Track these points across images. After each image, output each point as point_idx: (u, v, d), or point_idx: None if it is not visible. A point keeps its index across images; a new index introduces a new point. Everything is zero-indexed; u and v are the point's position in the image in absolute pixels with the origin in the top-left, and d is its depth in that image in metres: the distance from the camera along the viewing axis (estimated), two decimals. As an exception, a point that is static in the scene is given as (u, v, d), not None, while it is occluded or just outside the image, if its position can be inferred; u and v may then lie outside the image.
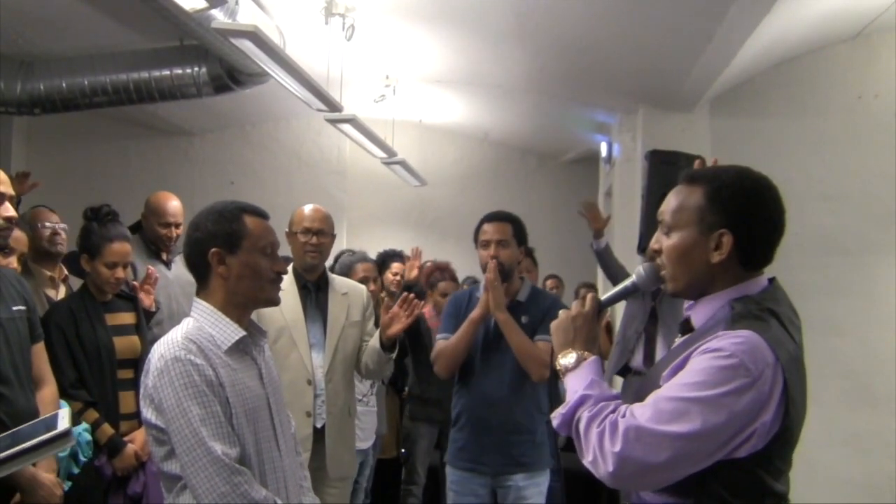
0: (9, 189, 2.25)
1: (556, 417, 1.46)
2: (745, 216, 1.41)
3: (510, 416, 2.81)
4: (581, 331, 1.53)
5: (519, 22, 4.20)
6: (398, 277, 4.48)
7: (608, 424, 1.33)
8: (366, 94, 5.71)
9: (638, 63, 4.61)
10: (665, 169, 4.76)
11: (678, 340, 1.52)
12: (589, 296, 1.58)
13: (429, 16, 4.32)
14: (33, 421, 2.04)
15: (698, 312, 1.46)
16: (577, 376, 1.47)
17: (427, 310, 4.30)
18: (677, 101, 4.97)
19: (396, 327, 2.72)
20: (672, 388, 1.32)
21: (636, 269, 1.59)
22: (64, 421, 1.92)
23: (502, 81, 5.54)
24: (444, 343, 2.87)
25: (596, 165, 6.79)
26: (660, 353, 4.05)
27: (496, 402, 2.81)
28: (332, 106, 4.30)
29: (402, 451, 4.34)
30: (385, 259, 4.51)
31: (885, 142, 4.74)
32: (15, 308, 2.30)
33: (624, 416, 1.34)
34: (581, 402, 1.41)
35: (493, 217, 2.94)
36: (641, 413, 1.32)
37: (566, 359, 1.51)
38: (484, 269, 2.90)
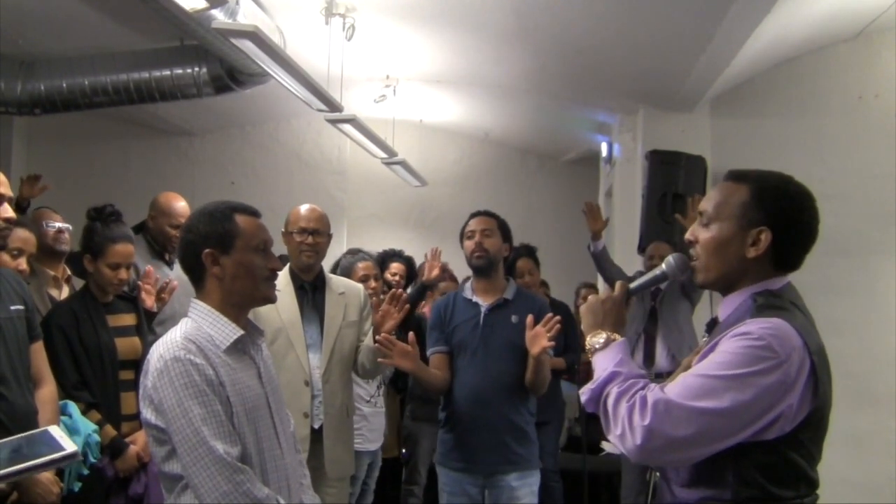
0: (7, 190, 2.25)
1: (584, 393, 1.49)
2: (786, 218, 1.49)
3: (500, 414, 2.80)
4: (610, 313, 1.58)
5: (519, 22, 4.20)
6: (397, 277, 4.48)
7: (638, 399, 1.38)
8: (366, 94, 5.71)
9: (638, 63, 4.61)
10: (665, 169, 4.81)
11: (705, 338, 1.58)
12: (619, 282, 1.64)
13: (429, 16, 4.32)
14: (24, 435, 2.04)
15: (724, 308, 1.53)
16: (606, 355, 1.51)
17: (427, 310, 4.30)
18: (677, 102, 4.97)
19: (389, 324, 2.75)
20: (701, 367, 1.39)
21: (666, 259, 1.65)
22: (65, 440, 1.95)
23: (502, 81, 5.54)
24: (430, 371, 2.87)
25: (596, 165, 6.79)
26: (660, 352, 4.07)
27: (486, 401, 2.80)
28: (333, 106, 4.30)
29: (403, 451, 4.34)
30: (384, 259, 4.51)
31: (886, 142, 4.74)
32: (13, 308, 2.30)
33: (652, 391, 1.38)
34: (610, 378, 1.45)
35: (477, 213, 3.04)
36: (670, 389, 1.37)
37: (596, 338, 1.55)
38: (469, 263, 2.96)
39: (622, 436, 1.38)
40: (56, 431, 2.05)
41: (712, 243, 1.52)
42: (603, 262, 4.35)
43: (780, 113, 5.02)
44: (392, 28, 4.59)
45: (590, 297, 1.63)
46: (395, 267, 4.53)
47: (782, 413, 1.36)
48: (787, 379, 1.35)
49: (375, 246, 4.84)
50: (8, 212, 2.22)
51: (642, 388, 1.40)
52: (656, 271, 1.67)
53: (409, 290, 5.19)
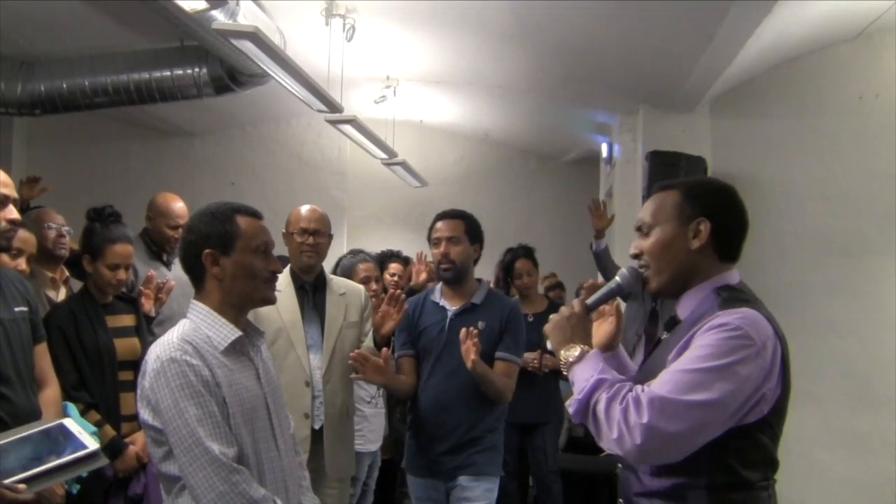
0: (12, 192, 2.24)
1: (571, 405, 1.51)
2: (719, 207, 1.59)
3: (461, 422, 2.75)
4: (577, 328, 1.63)
5: (519, 22, 4.20)
6: (395, 278, 4.48)
7: (630, 400, 1.41)
8: (366, 95, 5.72)
9: (638, 63, 4.61)
10: (666, 170, 4.81)
11: (665, 336, 1.63)
12: (576, 300, 1.69)
13: (429, 16, 4.32)
14: (40, 429, 2.05)
15: (684, 305, 1.59)
16: (585, 366, 1.54)
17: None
18: (678, 102, 4.97)
19: (389, 325, 2.75)
20: (685, 362, 1.43)
21: (619, 272, 1.72)
22: (85, 437, 1.97)
23: (502, 82, 5.54)
24: (399, 379, 2.82)
25: (596, 166, 6.79)
26: (661, 353, 4.07)
27: (448, 408, 2.76)
28: (333, 107, 4.30)
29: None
30: (384, 259, 4.51)
31: (886, 142, 4.74)
32: (17, 309, 2.30)
33: (643, 391, 1.41)
34: (597, 385, 1.48)
35: (444, 215, 2.91)
36: (660, 387, 1.41)
37: (570, 352, 1.58)
38: (436, 272, 2.91)
39: (620, 438, 1.39)
40: (73, 426, 2.07)
41: (658, 246, 1.59)
42: (604, 262, 4.35)
43: (780, 113, 5.02)
44: (392, 29, 4.59)
45: (551, 316, 1.67)
46: (394, 267, 4.54)
47: (763, 397, 1.43)
48: (765, 365, 1.42)
49: (375, 246, 4.85)
50: (13, 213, 2.22)
51: (630, 391, 1.43)
52: (612, 284, 1.73)
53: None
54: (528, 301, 4.35)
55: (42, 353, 2.41)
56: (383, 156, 5.77)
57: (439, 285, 2.93)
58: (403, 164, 6.11)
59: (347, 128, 4.87)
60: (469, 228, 2.86)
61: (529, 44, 4.61)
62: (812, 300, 4.84)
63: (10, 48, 4.44)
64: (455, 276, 2.82)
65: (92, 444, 2.01)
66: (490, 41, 4.66)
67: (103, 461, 2.10)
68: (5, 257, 2.66)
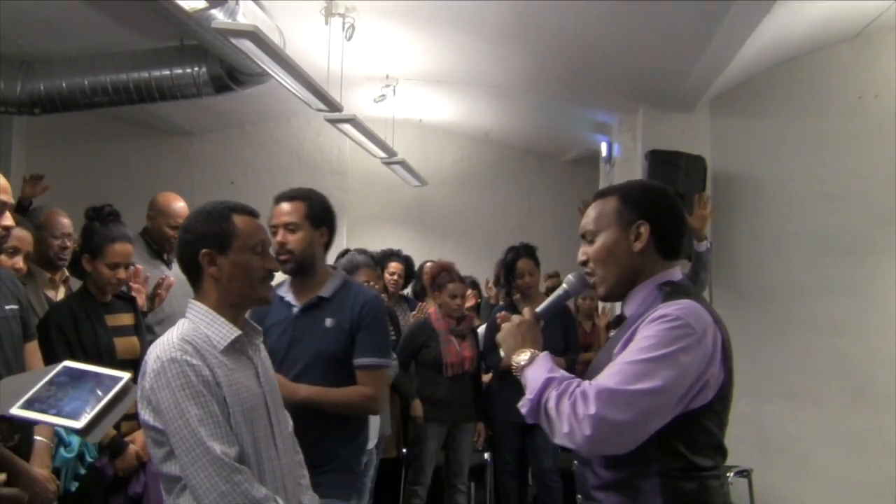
0: (10, 198, 2.24)
1: (523, 405, 1.56)
2: (656, 208, 1.66)
3: (308, 435, 2.16)
4: (528, 335, 1.69)
5: (519, 22, 4.21)
6: (395, 277, 4.49)
7: (579, 394, 1.45)
8: (366, 94, 5.72)
9: (638, 63, 4.61)
10: (665, 169, 4.81)
11: (613, 332, 1.71)
12: (526, 308, 1.75)
13: (429, 16, 4.32)
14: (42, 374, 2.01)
15: (630, 303, 1.65)
16: (536, 368, 1.59)
17: (433, 311, 4.30)
18: (677, 101, 4.97)
19: None
20: (630, 353, 1.48)
21: (566, 278, 1.77)
22: (105, 370, 1.96)
23: (502, 81, 5.54)
24: None
25: (596, 165, 6.79)
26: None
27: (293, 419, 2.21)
28: (332, 106, 4.30)
29: (404, 451, 4.35)
30: (383, 259, 4.52)
31: (885, 142, 4.74)
32: (8, 307, 2.30)
33: (591, 385, 1.46)
34: (547, 384, 1.52)
35: (281, 196, 2.48)
36: (607, 379, 1.46)
37: (521, 357, 1.64)
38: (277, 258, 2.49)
39: (570, 432, 1.43)
40: (80, 364, 2.03)
41: (602, 252, 1.66)
42: None
43: (780, 113, 5.02)
44: (392, 28, 4.59)
45: (503, 325, 1.73)
46: (394, 266, 4.55)
47: (707, 382, 1.49)
48: (706, 351, 1.49)
49: (375, 246, 4.86)
50: (8, 220, 2.22)
51: (578, 386, 1.48)
52: (559, 291, 1.79)
53: (408, 290, 5.21)
54: (529, 300, 4.35)
55: (33, 351, 2.41)
56: (383, 155, 5.77)
57: (288, 278, 2.52)
58: (403, 164, 6.11)
59: (347, 127, 4.86)
60: (310, 211, 2.45)
61: (529, 43, 4.61)
62: (812, 300, 4.84)
63: (10, 48, 4.44)
64: (296, 267, 2.42)
65: (121, 374, 1.97)
66: (490, 41, 4.66)
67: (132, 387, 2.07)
68: (3, 256, 2.66)
